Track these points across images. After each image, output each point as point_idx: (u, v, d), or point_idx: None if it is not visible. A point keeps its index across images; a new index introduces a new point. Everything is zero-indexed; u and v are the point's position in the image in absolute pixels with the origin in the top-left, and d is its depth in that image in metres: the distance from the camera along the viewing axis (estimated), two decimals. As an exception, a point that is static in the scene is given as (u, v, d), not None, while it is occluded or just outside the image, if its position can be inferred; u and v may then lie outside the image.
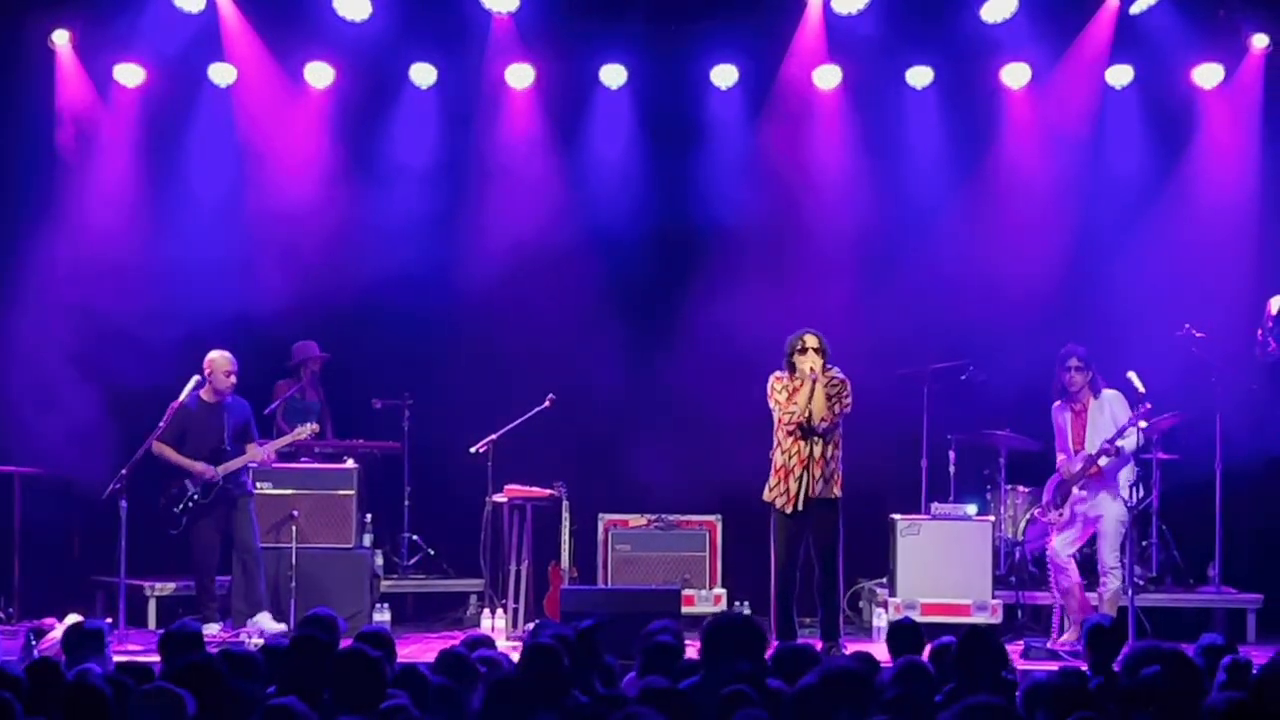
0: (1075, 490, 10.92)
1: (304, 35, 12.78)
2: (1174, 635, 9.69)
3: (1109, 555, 10.90)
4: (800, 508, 10.26)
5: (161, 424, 11.06)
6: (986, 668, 6.48)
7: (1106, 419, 10.88)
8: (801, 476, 10.25)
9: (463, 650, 6.82)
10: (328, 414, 12.75)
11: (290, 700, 5.50)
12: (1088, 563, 11.52)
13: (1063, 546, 10.98)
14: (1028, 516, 12.11)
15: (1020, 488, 12.32)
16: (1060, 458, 11.06)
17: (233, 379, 11.25)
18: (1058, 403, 11.07)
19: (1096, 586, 11.00)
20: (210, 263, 12.34)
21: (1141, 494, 11.72)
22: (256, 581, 11.22)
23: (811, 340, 10.32)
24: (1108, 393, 10.98)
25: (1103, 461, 10.82)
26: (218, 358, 11.22)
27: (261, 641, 9.51)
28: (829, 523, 10.37)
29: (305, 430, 11.55)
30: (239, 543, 11.27)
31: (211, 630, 10.71)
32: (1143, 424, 10.75)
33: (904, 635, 7.37)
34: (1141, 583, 11.48)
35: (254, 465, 11.39)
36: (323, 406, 12.76)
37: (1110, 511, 10.91)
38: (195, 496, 11.12)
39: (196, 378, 11.16)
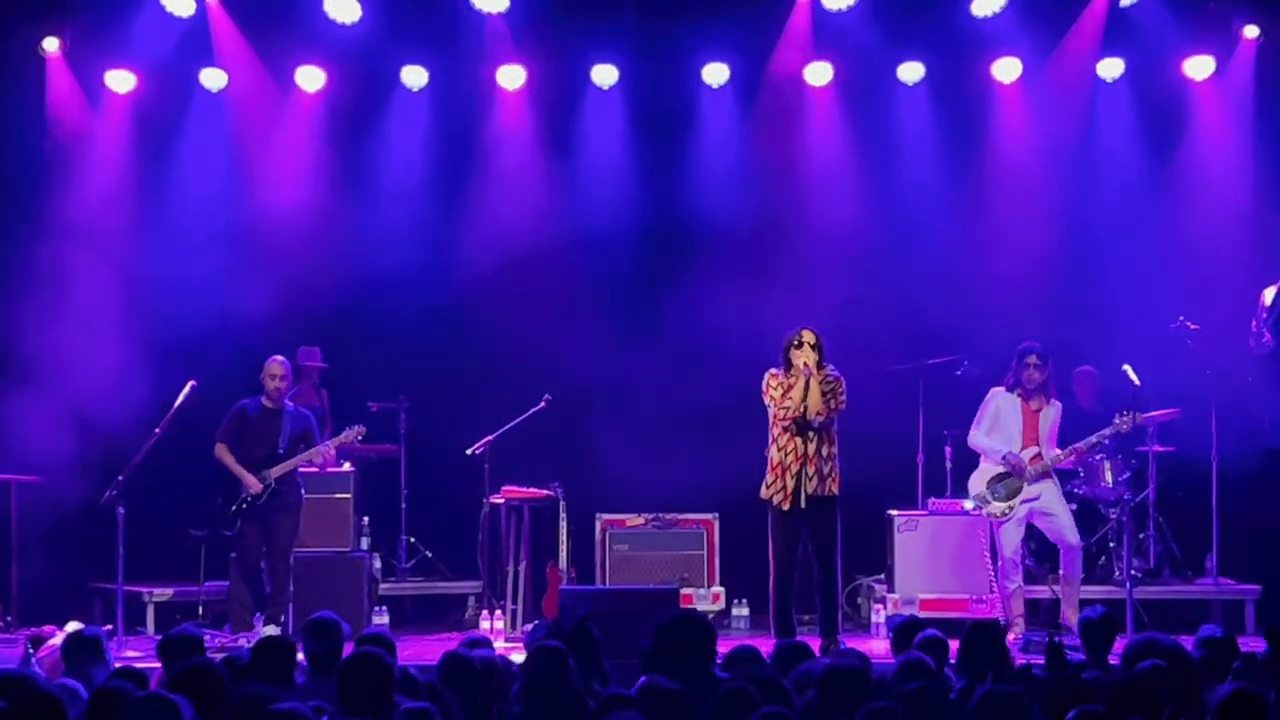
0: (1027, 486, 10.91)
1: (294, 39, 12.77)
2: (1172, 628, 9.69)
3: (1070, 534, 10.90)
4: (798, 505, 10.26)
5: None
6: (990, 661, 6.50)
7: (1049, 428, 10.91)
8: (799, 473, 10.25)
9: (465, 651, 6.82)
10: (329, 418, 12.72)
11: (295, 705, 5.50)
12: (1042, 554, 11.69)
13: (1015, 542, 10.94)
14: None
15: (1016, 482, 12.32)
16: (1002, 449, 10.92)
17: (278, 383, 11.17)
18: (1001, 389, 11.04)
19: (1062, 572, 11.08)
20: (203, 268, 12.31)
21: (1136, 487, 11.79)
22: (280, 592, 11.15)
23: (809, 336, 10.32)
24: (1057, 404, 11.01)
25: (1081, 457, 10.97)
26: (267, 364, 11.20)
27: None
28: (827, 520, 10.35)
29: (353, 433, 11.50)
30: (276, 548, 11.16)
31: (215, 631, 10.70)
32: (1124, 428, 10.82)
33: (909, 633, 7.38)
34: (1139, 575, 11.47)
35: (311, 466, 11.37)
36: (325, 412, 12.73)
37: (1049, 490, 10.93)
38: (249, 499, 11.10)
39: (191, 383, 11.12)
